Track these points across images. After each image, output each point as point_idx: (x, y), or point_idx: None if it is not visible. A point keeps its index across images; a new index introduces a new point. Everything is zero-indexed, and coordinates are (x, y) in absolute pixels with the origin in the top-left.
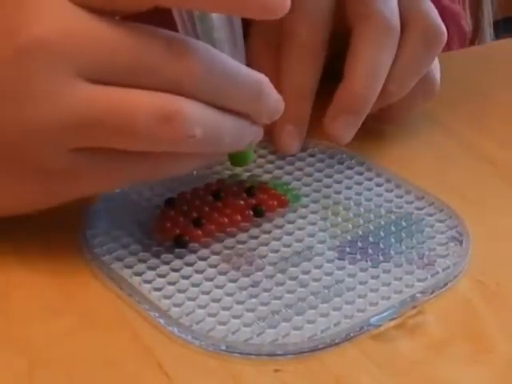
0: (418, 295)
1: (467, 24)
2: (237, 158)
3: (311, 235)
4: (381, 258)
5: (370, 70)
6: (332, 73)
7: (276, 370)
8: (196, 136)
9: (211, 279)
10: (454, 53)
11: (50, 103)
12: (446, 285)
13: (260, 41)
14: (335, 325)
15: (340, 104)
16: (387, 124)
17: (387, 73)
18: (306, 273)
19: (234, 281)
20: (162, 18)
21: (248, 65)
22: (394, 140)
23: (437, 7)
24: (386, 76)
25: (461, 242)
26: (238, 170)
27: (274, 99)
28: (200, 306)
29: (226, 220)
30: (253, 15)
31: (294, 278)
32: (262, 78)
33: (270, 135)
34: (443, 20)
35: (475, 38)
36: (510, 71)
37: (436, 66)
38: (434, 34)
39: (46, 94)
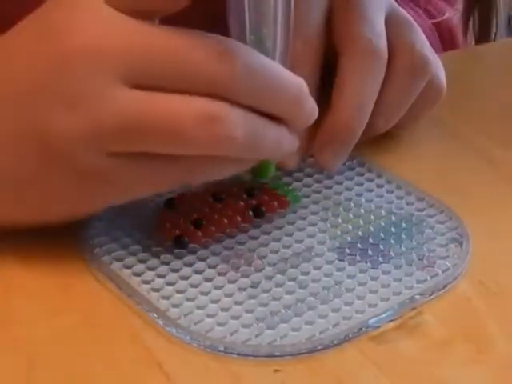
0: (416, 297)
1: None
2: (259, 170)
3: (311, 236)
4: (380, 259)
5: (357, 100)
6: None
7: (276, 370)
8: (238, 138)
9: (210, 280)
10: (454, 53)
11: (94, 108)
12: (445, 286)
13: None
14: (334, 326)
15: (328, 134)
16: (396, 130)
17: (374, 100)
18: (306, 274)
19: (233, 282)
20: (210, 26)
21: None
22: (395, 141)
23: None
24: (373, 104)
25: (461, 244)
26: None
27: (311, 104)
28: (199, 307)
29: (226, 221)
30: None
31: (294, 279)
32: (301, 82)
33: None
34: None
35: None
36: (510, 71)
37: (440, 70)
38: (420, 66)
39: (89, 98)
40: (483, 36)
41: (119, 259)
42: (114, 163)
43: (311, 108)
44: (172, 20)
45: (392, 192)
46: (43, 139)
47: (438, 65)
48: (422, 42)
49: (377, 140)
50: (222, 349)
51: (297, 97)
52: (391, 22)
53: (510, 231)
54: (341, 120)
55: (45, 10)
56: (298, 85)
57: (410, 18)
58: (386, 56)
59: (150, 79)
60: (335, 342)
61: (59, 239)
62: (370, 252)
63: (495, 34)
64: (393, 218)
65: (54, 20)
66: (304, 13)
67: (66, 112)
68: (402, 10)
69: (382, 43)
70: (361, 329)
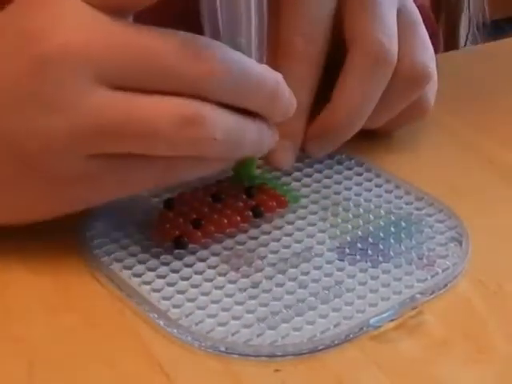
0: (417, 296)
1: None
2: (242, 170)
3: (310, 236)
4: (380, 258)
5: (358, 102)
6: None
7: (276, 370)
8: (217, 139)
9: (211, 280)
10: (455, 52)
11: (71, 111)
12: (445, 285)
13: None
14: (335, 326)
15: (322, 129)
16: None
17: (376, 103)
18: (306, 274)
19: (233, 282)
20: (186, 24)
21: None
22: (394, 141)
23: None
24: (373, 106)
25: (460, 243)
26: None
27: (288, 98)
28: (200, 307)
29: (226, 221)
30: None
31: (294, 279)
32: (277, 77)
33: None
34: None
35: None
36: (510, 71)
37: (431, 88)
38: (420, 76)
39: (67, 101)
40: (450, 42)
41: (119, 260)
42: (92, 166)
43: (288, 102)
44: (145, 19)
45: (391, 191)
46: (19, 143)
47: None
48: (427, 51)
49: (376, 140)
50: (223, 349)
51: (273, 92)
52: (399, 21)
53: (510, 231)
54: (338, 119)
55: (16, 10)
56: (274, 79)
57: (418, 15)
58: (396, 59)
59: (126, 80)
60: (336, 341)
61: (59, 240)
62: (369, 251)
63: (466, 39)
64: (392, 218)
65: (26, 20)
66: (306, 9)
67: (42, 116)
68: (411, 4)
69: (394, 47)
70: (361, 328)
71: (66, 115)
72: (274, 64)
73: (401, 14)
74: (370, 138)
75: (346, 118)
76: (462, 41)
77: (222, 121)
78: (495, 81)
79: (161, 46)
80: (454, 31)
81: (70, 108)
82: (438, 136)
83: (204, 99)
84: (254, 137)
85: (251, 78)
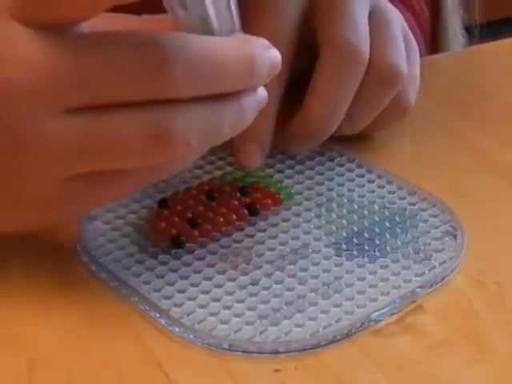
0: (417, 290)
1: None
2: None
3: (307, 233)
4: (377, 253)
5: (330, 101)
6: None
7: (276, 370)
8: (192, 143)
9: (210, 279)
10: (455, 52)
11: (40, 145)
12: (443, 279)
13: None
14: (336, 321)
15: (297, 129)
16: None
17: (349, 102)
18: (304, 270)
19: (232, 280)
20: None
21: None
22: (393, 142)
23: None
24: (347, 105)
25: (455, 237)
26: (229, 169)
27: (269, 61)
28: (201, 306)
29: (222, 219)
30: None
31: (293, 276)
32: (251, 49)
33: (231, 149)
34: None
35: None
36: (510, 71)
37: (412, 85)
38: (390, 77)
39: (32, 137)
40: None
41: (117, 260)
42: (71, 186)
43: (270, 65)
44: None
45: (383, 187)
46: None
47: (410, 79)
48: (398, 51)
49: (375, 139)
50: (226, 346)
51: (249, 69)
52: (371, 21)
53: (510, 231)
54: (311, 120)
55: None
56: (247, 55)
57: (393, 15)
58: (367, 57)
59: (88, 101)
60: (338, 337)
61: (58, 240)
62: (366, 247)
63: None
64: (386, 213)
65: None
66: (275, 6)
67: (19, 156)
68: (386, 5)
69: (363, 43)
70: (363, 323)
71: (38, 152)
72: None
73: (373, 14)
74: (369, 138)
75: (320, 118)
76: (453, 43)
77: (194, 123)
78: (495, 81)
79: (118, 61)
80: (447, 31)
81: (39, 143)
82: (438, 136)
83: (173, 100)
84: (234, 119)
85: (220, 65)
